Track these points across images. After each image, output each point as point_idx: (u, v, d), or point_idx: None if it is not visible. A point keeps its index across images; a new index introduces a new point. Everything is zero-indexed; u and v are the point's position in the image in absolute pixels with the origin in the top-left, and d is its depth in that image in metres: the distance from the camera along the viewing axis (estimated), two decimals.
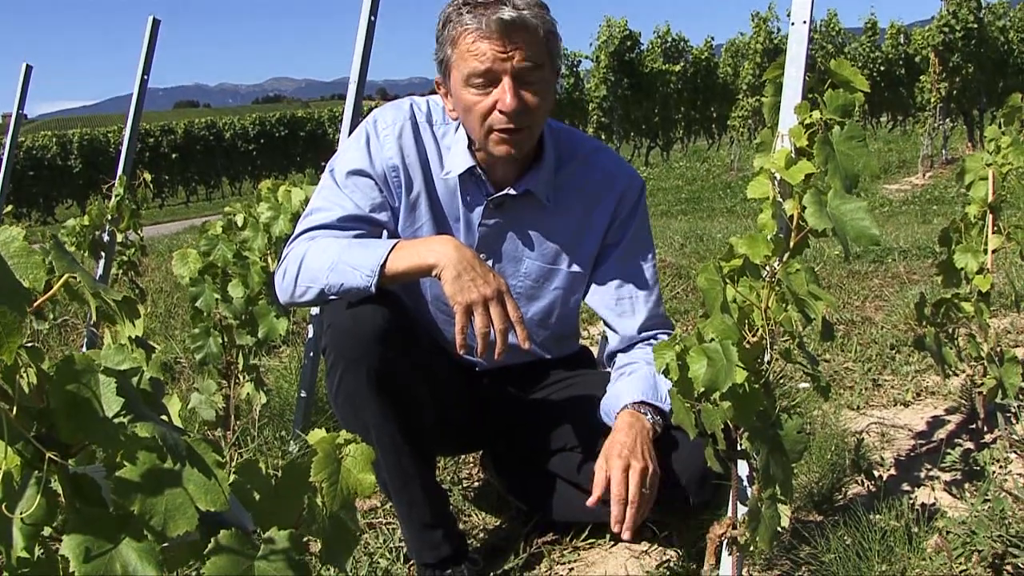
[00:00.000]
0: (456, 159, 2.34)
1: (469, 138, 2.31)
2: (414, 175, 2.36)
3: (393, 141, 2.35)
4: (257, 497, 1.06)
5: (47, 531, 0.92)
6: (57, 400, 0.88)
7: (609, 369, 2.52)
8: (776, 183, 1.91)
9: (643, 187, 2.49)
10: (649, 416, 2.25)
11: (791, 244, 1.84)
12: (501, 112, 2.15)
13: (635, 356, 2.41)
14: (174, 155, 39.14)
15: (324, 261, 2.19)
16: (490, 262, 2.41)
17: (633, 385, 2.32)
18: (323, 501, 1.08)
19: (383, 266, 2.12)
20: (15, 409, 0.88)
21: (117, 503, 0.91)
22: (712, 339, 1.72)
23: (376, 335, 2.14)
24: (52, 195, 35.48)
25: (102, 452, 0.95)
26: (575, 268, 2.45)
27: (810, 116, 1.89)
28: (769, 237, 1.82)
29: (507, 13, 2.08)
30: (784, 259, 1.82)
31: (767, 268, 1.81)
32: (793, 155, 1.88)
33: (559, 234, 2.43)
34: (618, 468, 2.12)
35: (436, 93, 2.38)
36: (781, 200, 1.88)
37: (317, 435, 1.12)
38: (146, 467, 0.92)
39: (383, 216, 2.35)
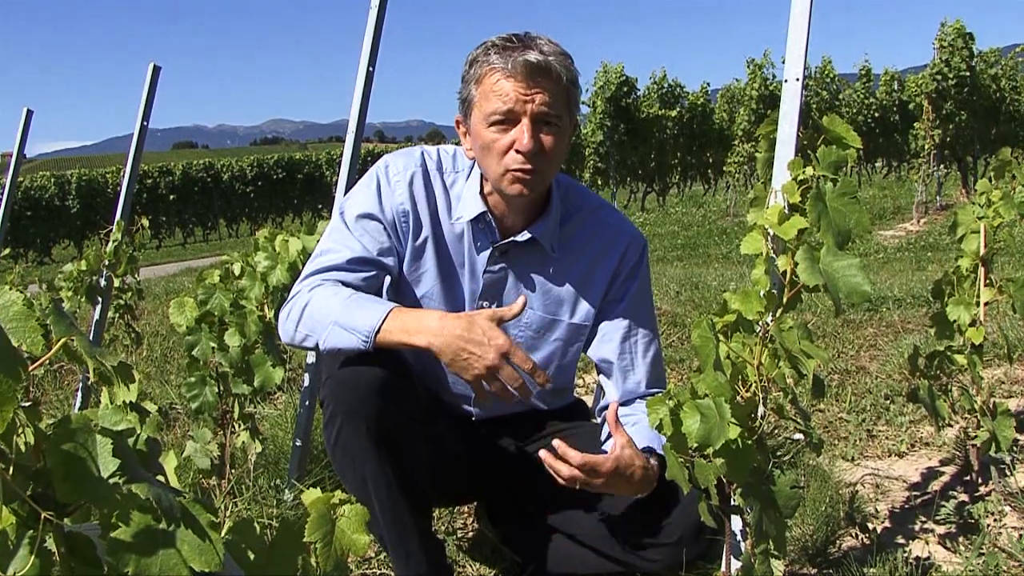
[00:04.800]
0: (467, 205, 2.37)
1: (481, 185, 2.35)
2: (423, 220, 2.39)
3: (405, 187, 2.38)
4: (251, 557, 1.06)
5: None
6: (53, 460, 0.89)
7: (597, 420, 2.53)
8: (769, 238, 1.92)
9: (646, 246, 2.52)
10: (656, 463, 2.24)
11: (784, 300, 1.85)
12: (518, 152, 2.18)
13: (635, 409, 2.41)
14: (172, 196, 39.20)
15: (324, 317, 2.22)
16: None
17: (638, 435, 2.32)
18: (317, 561, 1.08)
19: (377, 333, 2.15)
20: (11, 468, 0.88)
21: (111, 563, 0.91)
22: (705, 395, 1.73)
23: (375, 388, 2.15)
24: (49, 235, 35.46)
25: (97, 512, 0.96)
26: (576, 320, 2.47)
27: (803, 172, 1.91)
28: (762, 293, 1.83)
29: (533, 56, 2.13)
30: (777, 315, 1.84)
31: (760, 324, 1.82)
32: (786, 211, 1.89)
33: (563, 284, 2.45)
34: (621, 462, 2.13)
35: (436, 140, 2.41)
36: (774, 256, 1.90)
37: (311, 495, 1.12)
38: (140, 527, 0.92)
39: (390, 260, 2.38)
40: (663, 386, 2.46)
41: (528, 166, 2.20)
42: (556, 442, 2.14)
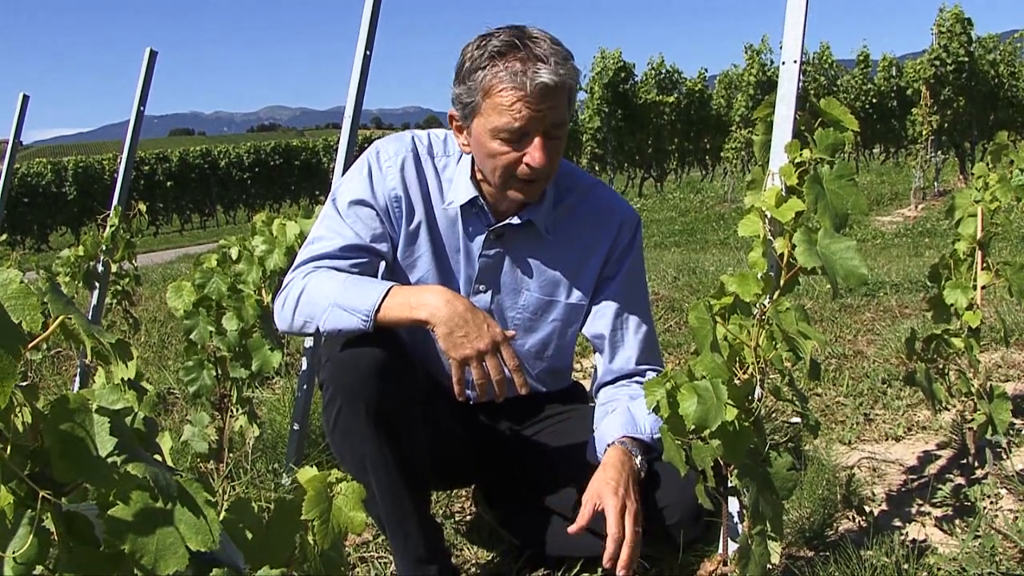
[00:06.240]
0: (459, 190, 2.36)
1: (472, 169, 2.34)
2: (416, 205, 2.38)
3: (396, 172, 2.37)
4: (249, 536, 1.06)
5: (39, 570, 0.92)
6: (51, 439, 0.89)
7: (593, 403, 2.53)
8: (767, 221, 1.92)
9: (639, 222, 2.52)
10: (638, 458, 2.27)
11: (781, 282, 1.85)
12: (529, 167, 2.17)
13: (619, 394, 2.43)
14: (169, 183, 39.10)
15: (322, 300, 2.22)
16: (489, 294, 2.43)
17: (615, 422, 2.35)
18: (315, 539, 1.08)
19: (377, 311, 2.15)
20: (9, 448, 0.88)
21: (109, 542, 0.91)
22: (703, 377, 1.73)
23: (374, 370, 2.16)
24: (46, 222, 35.38)
25: (95, 491, 0.96)
26: (573, 300, 2.47)
27: (800, 155, 1.90)
28: (759, 275, 1.83)
29: (546, 76, 2.09)
30: (774, 297, 1.84)
31: (757, 306, 1.82)
32: (783, 193, 1.89)
33: (558, 266, 2.45)
34: (614, 508, 2.12)
35: (432, 127, 2.40)
36: (771, 238, 1.90)
37: (308, 473, 1.12)
38: (138, 507, 0.92)
39: (383, 246, 2.37)
40: (656, 361, 2.48)
41: (538, 178, 2.21)
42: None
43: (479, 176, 2.34)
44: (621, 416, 2.35)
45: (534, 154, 2.15)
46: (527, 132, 2.14)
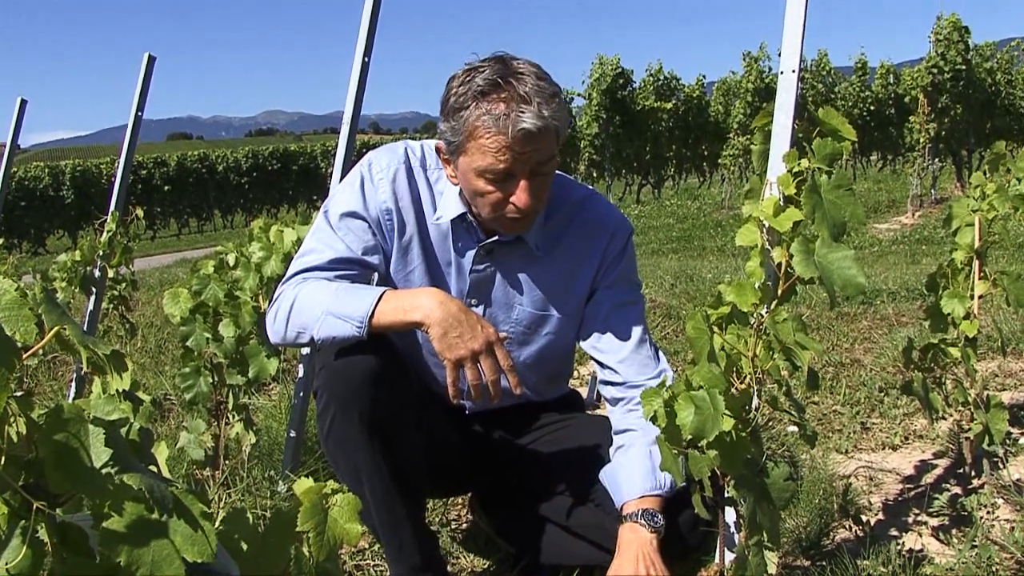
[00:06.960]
0: (448, 205, 2.34)
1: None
2: (407, 218, 2.36)
3: (387, 184, 2.35)
4: (244, 547, 1.06)
5: None
6: (45, 450, 0.88)
7: (606, 400, 2.47)
8: (764, 231, 1.92)
9: (631, 232, 2.50)
10: (648, 527, 2.19)
11: (779, 292, 1.85)
12: (515, 206, 2.16)
13: (632, 421, 2.35)
14: (166, 187, 39.15)
15: (314, 309, 2.20)
16: (481, 308, 2.42)
17: (633, 476, 2.27)
18: (310, 551, 1.08)
19: (371, 317, 2.13)
20: (3, 458, 0.88)
21: (104, 554, 0.91)
22: (700, 387, 1.72)
23: (368, 378, 2.15)
24: (43, 226, 35.41)
25: (89, 502, 0.95)
26: (566, 313, 2.45)
27: (798, 164, 1.90)
28: (757, 285, 1.83)
29: (529, 122, 2.05)
30: (772, 307, 1.83)
31: (755, 316, 1.82)
32: (781, 203, 1.89)
33: (550, 280, 2.43)
34: None
35: (430, 132, 2.39)
36: (769, 248, 1.89)
37: (303, 484, 1.12)
38: (133, 518, 0.92)
39: (375, 259, 2.35)
40: (657, 361, 2.42)
41: (523, 216, 2.20)
42: None
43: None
44: (640, 465, 2.27)
45: (520, 195, 2.14)
46: (512, 173, 2.12)
